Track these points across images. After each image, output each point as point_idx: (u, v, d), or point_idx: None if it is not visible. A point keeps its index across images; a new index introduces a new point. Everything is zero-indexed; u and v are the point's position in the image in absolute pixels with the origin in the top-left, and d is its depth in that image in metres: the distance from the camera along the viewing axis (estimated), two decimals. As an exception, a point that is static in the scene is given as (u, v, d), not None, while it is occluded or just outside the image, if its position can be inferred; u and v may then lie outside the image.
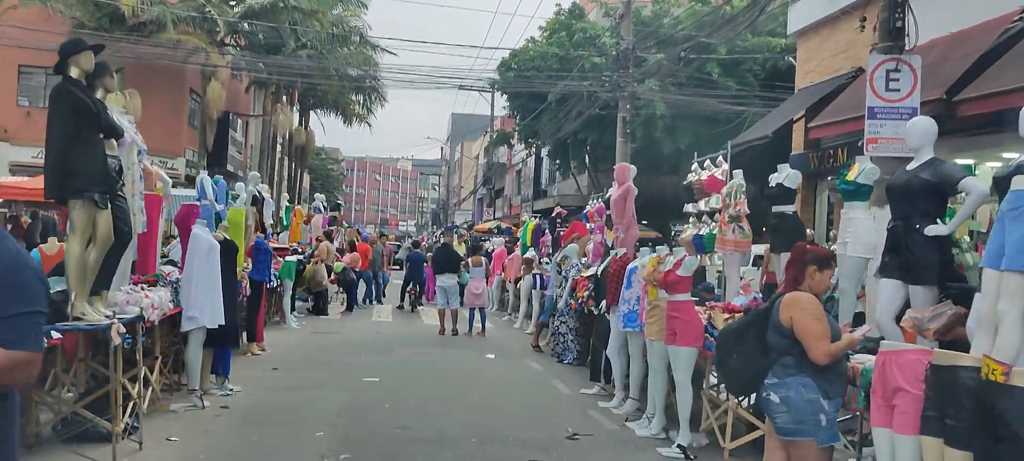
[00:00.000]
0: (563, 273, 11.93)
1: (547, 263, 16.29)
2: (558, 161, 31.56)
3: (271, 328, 13.84)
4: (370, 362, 10.99)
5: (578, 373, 10.75)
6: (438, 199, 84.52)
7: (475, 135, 60.92)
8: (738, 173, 8.04)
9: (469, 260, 14.97)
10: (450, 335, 14.18)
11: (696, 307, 6.73)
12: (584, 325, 11.68)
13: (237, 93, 33.64)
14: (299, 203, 32.06)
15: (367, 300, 18.97)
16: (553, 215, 15.50)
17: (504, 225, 35.23)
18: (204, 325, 7.34)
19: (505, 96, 30.51)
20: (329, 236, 16.94)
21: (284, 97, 32.49)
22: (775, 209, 7.23)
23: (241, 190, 13.06)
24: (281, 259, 14.52)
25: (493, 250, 20.41)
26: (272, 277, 13.69)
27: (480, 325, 14.54)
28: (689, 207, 9.48)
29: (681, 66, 21.81)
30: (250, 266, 11.40)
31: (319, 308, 16.66)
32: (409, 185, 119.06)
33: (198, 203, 10.48)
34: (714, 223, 8.58)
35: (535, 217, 20.87)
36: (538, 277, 15.13)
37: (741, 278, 8.27)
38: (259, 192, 13.47)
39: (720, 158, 9.60)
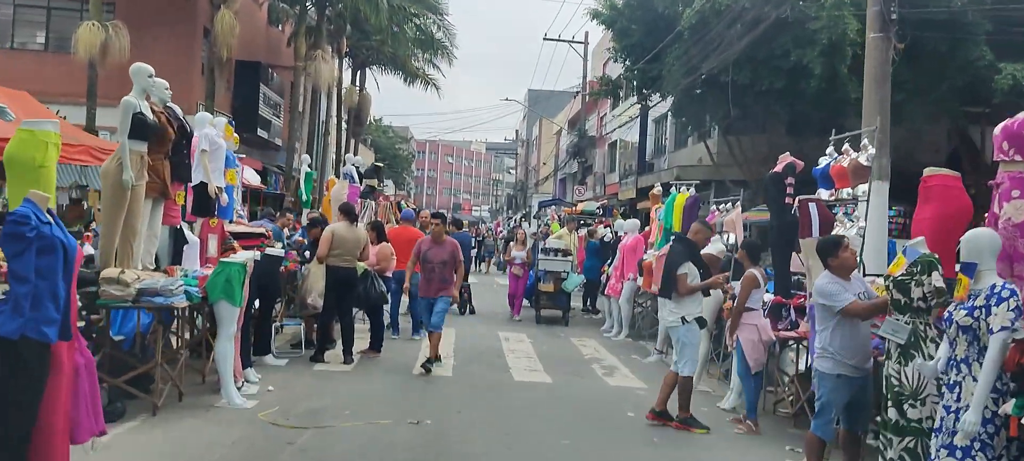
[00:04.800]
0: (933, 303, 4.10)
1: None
2: (683, 119, 23.30)
3: (187, 406, 6.43)
4: None
5: None
6: (516, 181, 76.72)
7: (553, 110, 53.19)
8: None
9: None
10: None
11: None
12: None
13: (278, 43, 26.88)
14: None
15: (416, 328, 11.12)
16: (781, 168, 7.55)
17: (605, 204, 27.39)
18: None
19: (611, 32, 22.28)
20: (348, 213, 9.02)
21: (327, 46, 25.20)
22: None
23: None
24: (238, 252, 7.12)
25: (616, 238, 12.68)
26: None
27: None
28: None
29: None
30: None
31: (318, 346, 9.08)
32: (483, 168, 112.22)
33: None
34: None
35: (684, 187, 12.97)
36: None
37: None
38: (168, 105, 6.10)
39: None
